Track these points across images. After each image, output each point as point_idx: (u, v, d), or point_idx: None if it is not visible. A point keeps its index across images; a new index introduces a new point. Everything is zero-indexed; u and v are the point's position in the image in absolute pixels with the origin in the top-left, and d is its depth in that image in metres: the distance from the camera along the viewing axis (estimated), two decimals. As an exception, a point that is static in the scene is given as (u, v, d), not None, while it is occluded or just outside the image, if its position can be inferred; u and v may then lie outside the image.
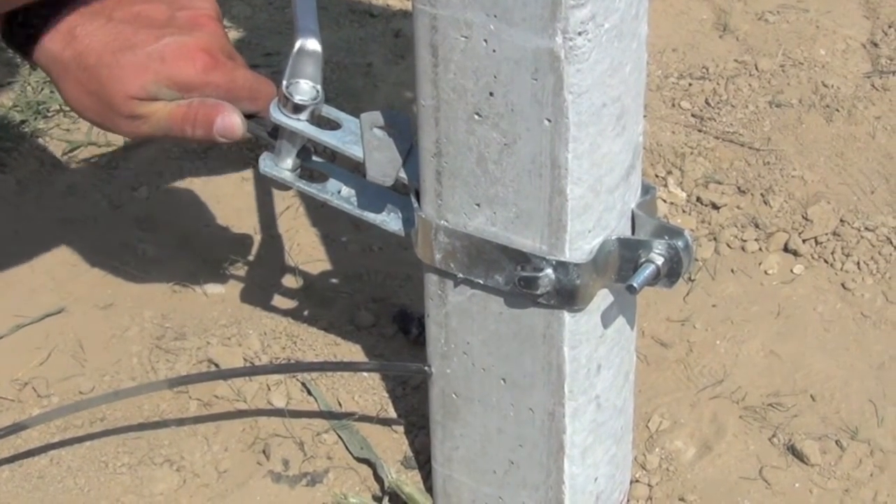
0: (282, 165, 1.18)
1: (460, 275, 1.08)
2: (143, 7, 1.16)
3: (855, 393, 1.39)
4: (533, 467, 1.16)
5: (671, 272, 1.05)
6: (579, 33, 0.93)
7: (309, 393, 1.39)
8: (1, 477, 1.32)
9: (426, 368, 1.18)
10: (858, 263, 1.53)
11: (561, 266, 1.03)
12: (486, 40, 0.96)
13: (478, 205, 1.04)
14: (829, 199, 1.61)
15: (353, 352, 1.44)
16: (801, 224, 1.58)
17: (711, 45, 1.92)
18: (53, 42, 1.14)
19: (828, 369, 1.42)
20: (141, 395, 1.37)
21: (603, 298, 1.08)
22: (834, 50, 1.88)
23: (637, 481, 1.31)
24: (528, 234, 1.03)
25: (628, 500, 1.29)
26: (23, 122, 1.77)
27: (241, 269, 1.55)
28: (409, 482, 1.29)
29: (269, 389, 1.40)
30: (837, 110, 1.76)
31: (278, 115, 1.13)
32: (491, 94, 0.98)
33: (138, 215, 1.63)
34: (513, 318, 1.09)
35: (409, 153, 1.11)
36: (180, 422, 1.37)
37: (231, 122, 1.16)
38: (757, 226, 1.59)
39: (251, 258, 1.57)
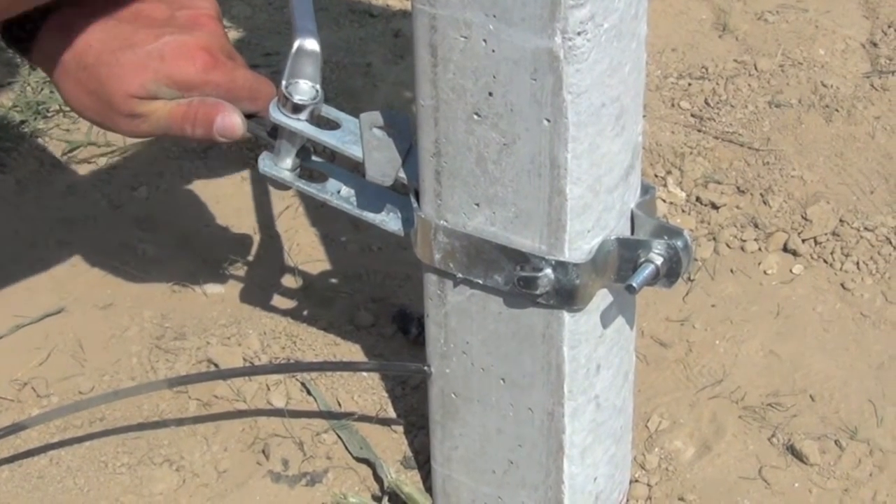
0: (281, 165, 1.18)
1: (459, 275, 1.08)
2: (142, 6, 1.16)
3: (854, 393, 1.39)
4: (532, 467, 1.16)
5: (670, 272, 1.05)
6: (578, 33, 0.93)
7: (308, 393, 1.39)
8: (0, 477, 1.32)
9: (425, 368, 1.18)
10: (858, 263, 1.53)
11: (560, 266, 1.03)
12: (485, 40, 0.96)
13: (477, 205, 1.04)
14: (829, 199, 1.61)
15: (352, 352, 1.44)
16: (801, 224, 1.58)
17: (711, 45, 1.92)
18: (52, 41, 1.14)
19: (827, 369, 1.42)
20: (140, 394, 1.37)
21: (602, 298, 1.08)
22: (833, 50, 1.89)
23: (636, 481, 1.31)
24: (527, 234, 1.03)
25: (628, 500, 1.29)
26: (22, 122, 1.77)
27: (240, 269, 1.55)
28: (409, 482, 1.29)
29: (269, 389, 1.40)
30: (837, 110, 1.76)
31: (278, 115, 1.13)
32: (490, 94, 0.98)
33: (138, 215, 1.63)
34: (512, 318, 1.09)
35: (409, 153, 1.11)
36: (180, 422, 1.37)
37: (231, 122, 1.16)
38: (756, 226, 1.59)
39: (251, 258, 1.57)
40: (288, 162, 1.17)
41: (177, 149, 1.72)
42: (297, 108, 1.12)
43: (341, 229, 1.60)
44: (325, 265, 1.56)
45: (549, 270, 1.03)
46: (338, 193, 1.18)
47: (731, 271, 1.55)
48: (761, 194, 1.62)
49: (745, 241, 1.57)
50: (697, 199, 1.63)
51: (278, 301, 1.51)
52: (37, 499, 1.30)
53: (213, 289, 1.52)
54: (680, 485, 1.31)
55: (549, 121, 0.97)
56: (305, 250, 1.58)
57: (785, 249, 1.56)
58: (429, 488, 1.29)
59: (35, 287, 1.53)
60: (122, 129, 1.18)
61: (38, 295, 1.52)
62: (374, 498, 1.30)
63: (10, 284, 1.52)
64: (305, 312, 1.49)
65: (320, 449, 1.34)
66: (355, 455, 1.33)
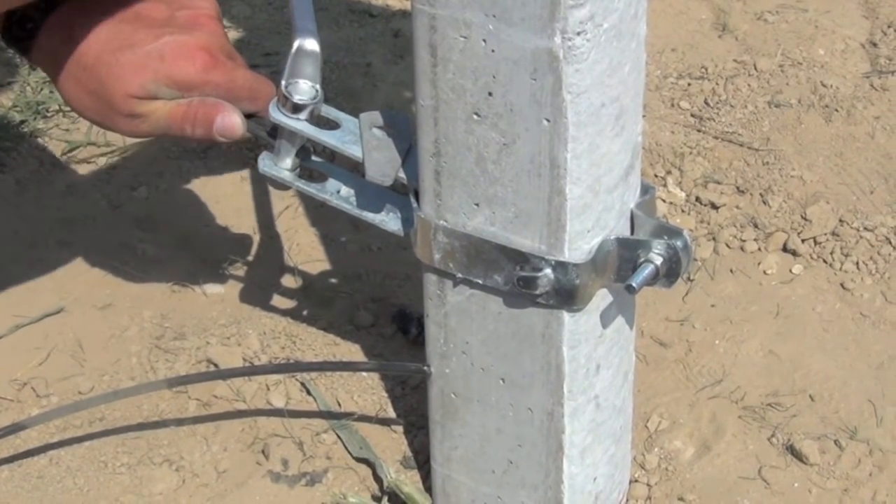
0: (281, 165, 1.18)
1: (459, 275, 1.08)
2: (142, 6, 1.16)
3: (854, 393, 1.39)
4: (532, 467, 1.16)
5: (670, 272, 1.05)
6: (578, 33, 0.93)
7: (308, 393, 1.39)
8: (0, 477, 1.32)
9: (425, 368, 1.18)
10: (857, 263, 1.53)
11: (560, 266, 1.03)
12: (484, 40, 0.96)
13: (477, 205, 1.04)
14: (828, 199, 1.61)
15: (352, 352, 1.44)
16: (800, 224, 1.58)
17: (710, 45, 1.92)
18: (52, 41, 1.14)
19: (827, 369, 1.42)
20: (140, 394, 1.37)
21: (602, 298, 1.08)
22: (833, 50, 1.89)
23: (636, 481, 1.31)
24: (526, 234, 1.03)
25: (627, 500, 1.29)
26: (22, 121, 1.77)
27: (240, 269, 1.55)
28: (409, 482, 1.29)
29: (269, 389, 1.40)
30: (836, 110, 1.76)
31: (277, 115, 1.13)
32: (490, 93, 0.98)
33: (137, 215, 1.63)
34: (512, 318, 1.09)
35: (408, 153, 1.11)
36: (179, 422, 1.37)
37: (231, 122, 1.16)
38: (756, 226, 1.59)
39: (250, 258, 1.57)
40: (288, 162, 1.17)
41: (176, 149, 1.72)
42: (296, 108, 1.12)
43: (341, 229, 1.60)
44: (325, 265, 1.56)
45: (548, 270, 1.03)
46: (337, 193, 1.18)
47: (731, 271, 1.55)
48: (761, 194, 1.62)
49: (744, 241, 1.57)
50: (697, 199, 1.63)
51: (278, 301, 1.51)
52: (36, 499, 1.30)
53: (212, 289, 1.52)
54: (679, 485, 1.31)
55: (548, 121, 0.97)
56: (305, 250, 1.58)
57: (784, 249, 1.56)
58: (428, 488, 1.29)
59: (35, 287, 1.53)
60: (121, 129, 1.18)
61: (37, 295, 1.51)
62: (374, 498, 1.30)
63: (9, 284, 1.52)
64: (305, 312, 1.49)
65: (320, 449, 1.34)
66: (355, 455, 1.33)
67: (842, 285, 1.52)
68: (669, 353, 1.44)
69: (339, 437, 1.35)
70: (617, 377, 1.16)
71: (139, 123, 1.16)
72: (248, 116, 1.18)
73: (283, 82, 1.12)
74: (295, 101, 1.12)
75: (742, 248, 1.57)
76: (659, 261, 1.05)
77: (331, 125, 1.14)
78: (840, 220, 1.57)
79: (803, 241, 1.56)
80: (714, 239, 1.58)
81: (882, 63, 1.85)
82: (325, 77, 1.73)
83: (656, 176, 1.66)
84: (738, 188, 1.64)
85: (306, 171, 1.19)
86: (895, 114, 1.76)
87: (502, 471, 1.18)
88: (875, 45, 1.90)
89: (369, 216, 1.16)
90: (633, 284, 1.03)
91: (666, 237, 1.05)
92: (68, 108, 1.33)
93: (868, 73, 1.84)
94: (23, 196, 1.65)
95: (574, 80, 0.95)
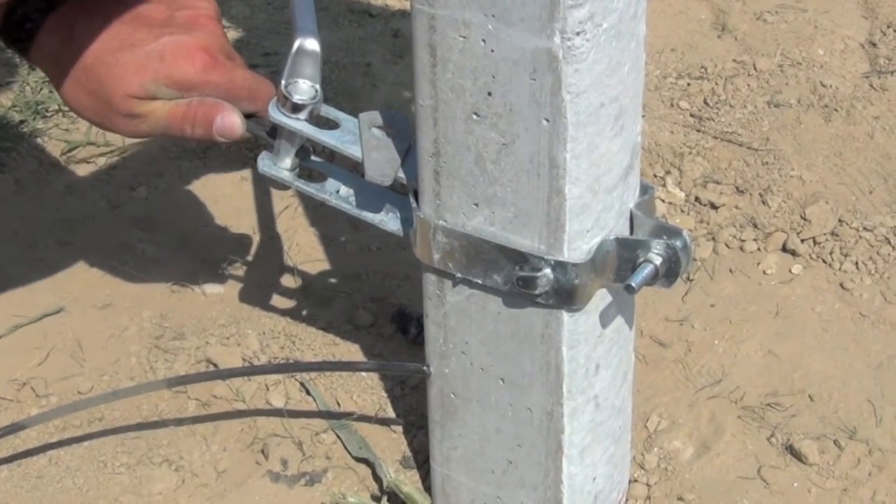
0: (280, 165, 1.18)
1: (459, 275, 1.08)
2: (142, 6, 1.16)
3: (853, 393, 1.39)
4: (531, 467, 1.16)
5: (669, 272, 1.05)
6: (577, 33, 0.93)
7: (307, 393, 1.39)
8: (0, 477, 1.32)
9: (425, 368, 1.18)
10: (857, 263, 1.53)
11: (559, 266, 1.03)
12: (484, 40, 0.96)
13: (476, 205, 1.04)
14: (828, 199, 1.61)
15: (351, 351, 1.44)
16: (800, 224, 1.58)
17: (710, 44, 1.92)
18: (51, 41, 1.14)
19: (826, 369, 1.42)
20: (139, 394, 1.37)
21: (601, 298, 1.08)
22: (832, 50, 1.89)
23: (635, 481, 1.31)
24: (526, 234, 1.03)
25: (627, 500, 1.29)
26: (22, 121, 1.77)
27: (239, 269, 1.55)
28: (408, 482, 1.29)
29: (268, 389, 1.40)
30: (836, 110, 1.76)
31: (277, 115, 1.13)
32: (489, 93, 0.98)
33: (137, 215, 1.63)
34: (511, 318, 1.09)
35: (408, 153, 1.11)
36: (179, 422, 1.37)
37: (230, 122, 1.16)
38: (755, 226, 1.59)
39: (250, 258, 1.57)
40: (287, 162, 1.17)
41: (176, 149, 1.72)
42: (296, 108, 1.12)
43: (340, 229, 1.60)
44: (325, 265, 1.56)
45: (548, 270, 1.03)
46: (337, 193, 1.18)
47: (731, 271, 1.55)
48: (760, 194, 1.62)
49: (744, 241, 1.57)
50: (696, 199, 1.63)
51: (277, 301, 1.51)
52: (36, 499, 1.30)
53: (212, 289, 1.52)
54: (679, 484, 1.31)
55: (548, 121, 0.97)
56: (304, 250, 1.58)
57: (784, 249, 1.56)
58: (428, 488, 1.29)
59: (34, 287, 1.53)
60: (121, 130, 1.18)
61: (37, 295, 1.51)
62: (374, 498, 1.30)
63: (9, 284, 1.52)
64: (304, 312, 1.49)
65: (319, 449, 1.34)
66: (354, 455, 1.33)
67: (841, 285, 1.52)
68: (669, 353, 1.44)
69: (338, 436, 1.35)
70: (616, 377, 1.16)
71: (139, 123, 1.16)
72: (248, 116, 1.18)
73: (282, 82, 1.12)
74: (294, 100, 1.12)
75: (741, 248, 1.57)
76: (658, 261, 1.05)
77: (330, 125, 1.14)
78: (839, 220, 1.58)
79: (803, 241, 1.56)
80: (713, 239, 1.58)
81: (881, 63, 1.85)
82: (325, 77, 1.73)
83: (656, 176, 1.66)
84: (737, 188, 1.64)
85: (306, 170, 1.19)
86: (894, 114, 1.76)
87: (502, 471, 1.18)
88: (874, 45, 1.90)
89: (369, 216, 1.16)
90: (633, 284, 1.03)
91: (665, 237, 1.05)
92: (68, 108, 1.33)
93: (867, 73, 1.84)
94: (22, 196, 1.65)
95: (573, 80, 0.95)
